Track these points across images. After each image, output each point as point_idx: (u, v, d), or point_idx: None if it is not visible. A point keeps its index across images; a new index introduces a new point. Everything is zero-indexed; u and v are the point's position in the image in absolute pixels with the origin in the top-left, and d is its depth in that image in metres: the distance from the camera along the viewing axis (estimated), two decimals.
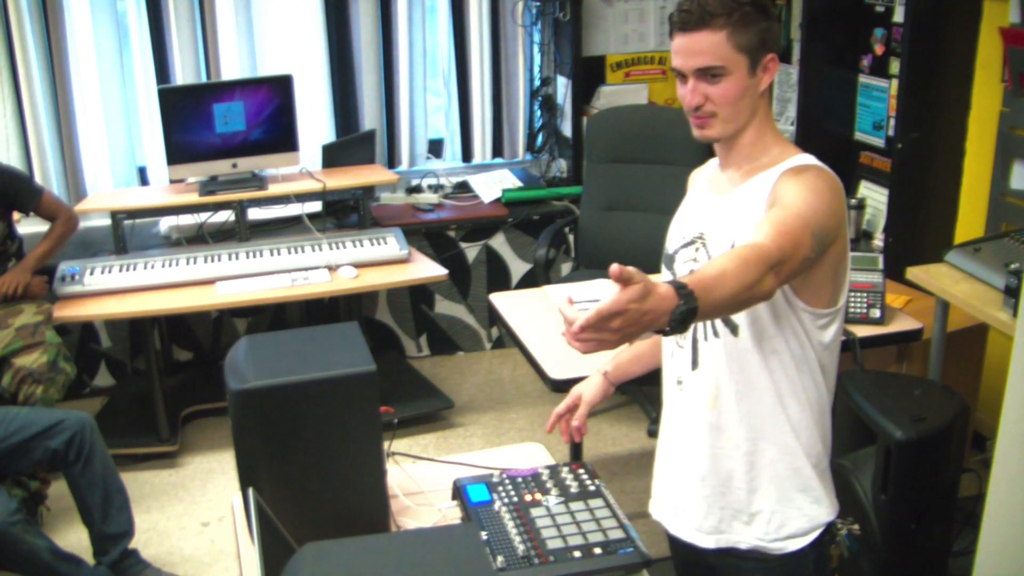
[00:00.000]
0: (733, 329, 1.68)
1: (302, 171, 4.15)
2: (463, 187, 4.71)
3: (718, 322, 1.70)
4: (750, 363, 1.69)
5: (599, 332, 1.36)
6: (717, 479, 1.75)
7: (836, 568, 1.76)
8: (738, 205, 1.68)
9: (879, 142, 3.85)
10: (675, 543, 1.89)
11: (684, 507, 1.82)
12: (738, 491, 1.74)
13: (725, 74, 1.62)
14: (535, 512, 1.82)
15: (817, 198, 1.57)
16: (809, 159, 1.68)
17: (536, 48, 4.79)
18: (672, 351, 1.81)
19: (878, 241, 3.89)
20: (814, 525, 1.74)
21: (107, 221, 3.94)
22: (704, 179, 1.85)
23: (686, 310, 1.35)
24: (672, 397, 1.83)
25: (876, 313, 2.82)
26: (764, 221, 1.54)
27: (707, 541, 1.78)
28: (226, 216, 4.11)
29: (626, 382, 2.09)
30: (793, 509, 1.73)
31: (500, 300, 3.16)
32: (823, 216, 1.56)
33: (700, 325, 1.71)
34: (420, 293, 4.60)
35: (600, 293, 3.21)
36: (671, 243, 1.82)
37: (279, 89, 3.97)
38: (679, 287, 1.36)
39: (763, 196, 1.63)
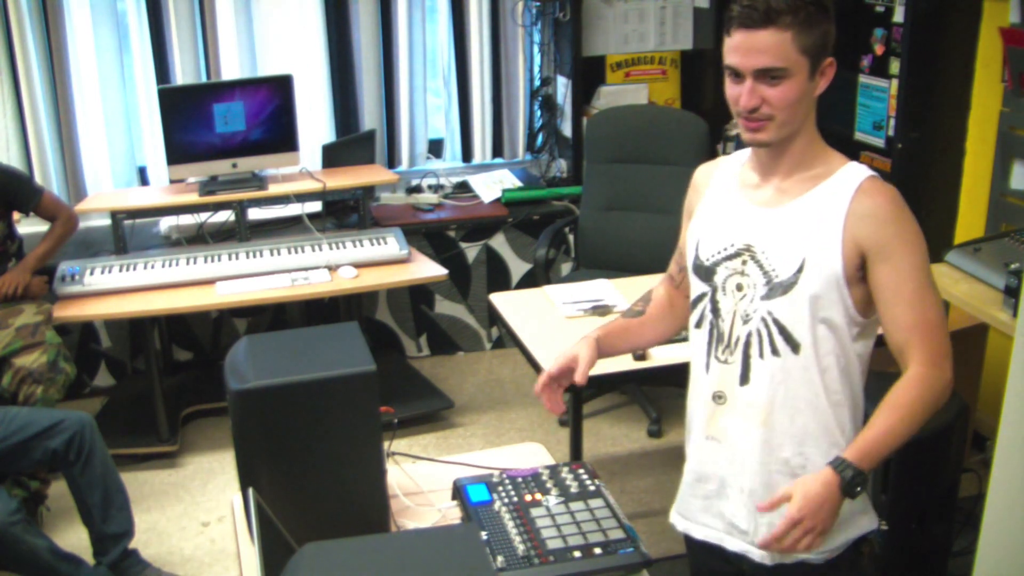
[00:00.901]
0: (795, 348, 1.65)
1: (302, 171, 4.15)
2: (463, 187, 4.71)
3: (778, 340, 1.66)
4: (805, 381, 1.66)
5: (804, 537, 1.56)
6: (766, 493, 1.71)
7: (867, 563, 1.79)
8: (801, 221, 1.63)
9: (879, 142, 3.85)
10: (704, 551, 1.85)
11: (730, 518, 1.77)
12: (785, 507, 1.69)
13: (786, 76, 1.56)
14: (535, 512, 1.82)
15: (917, 248, 1.60)
16: (864, 170, 1.65)
17: (536, 48, 4.78)
18: (709, 365, 1.75)
19: None
20: (859, 534, 1.73)
21: (107, 221, 3.94)
22: (731, 182, 1.77)
23: (851, 477, 1.54)
24: (707, 412, 1.77)
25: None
26: (902, 324, 1.59)
27: (760, 556, 1.74)
28: (226, 216, 4.11)
29: (614, 354, 1.96)
30: (842, 522, 1.68)
31: (500, 300, 3.17)
32: (927, 259, 1.61)
33: (756, 340, 1.67)
34: (420, 293, 4.60)
35: (600, 293, 3.23)
36: (706, 252, 1.75)
37: (279, 89, 3.97)
38: (835, 463, 1.56)
39: (833, 217, 1.60)
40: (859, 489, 1.55)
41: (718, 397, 1.74)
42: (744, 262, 1.68)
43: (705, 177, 1.85)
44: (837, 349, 1.65)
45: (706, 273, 1.74)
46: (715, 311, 1.73)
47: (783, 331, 1.65)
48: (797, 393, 1.67)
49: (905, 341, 1.60)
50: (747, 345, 1.69)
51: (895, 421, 1.57)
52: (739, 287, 1.69)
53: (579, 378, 1.82)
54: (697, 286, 1.77)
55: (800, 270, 1.62)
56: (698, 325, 1.78)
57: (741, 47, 1.57)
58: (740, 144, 4.79)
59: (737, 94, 1.60)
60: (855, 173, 1.64)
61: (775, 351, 1.66)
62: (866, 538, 1.75)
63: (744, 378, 1.70)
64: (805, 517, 1.54)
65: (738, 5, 1.57)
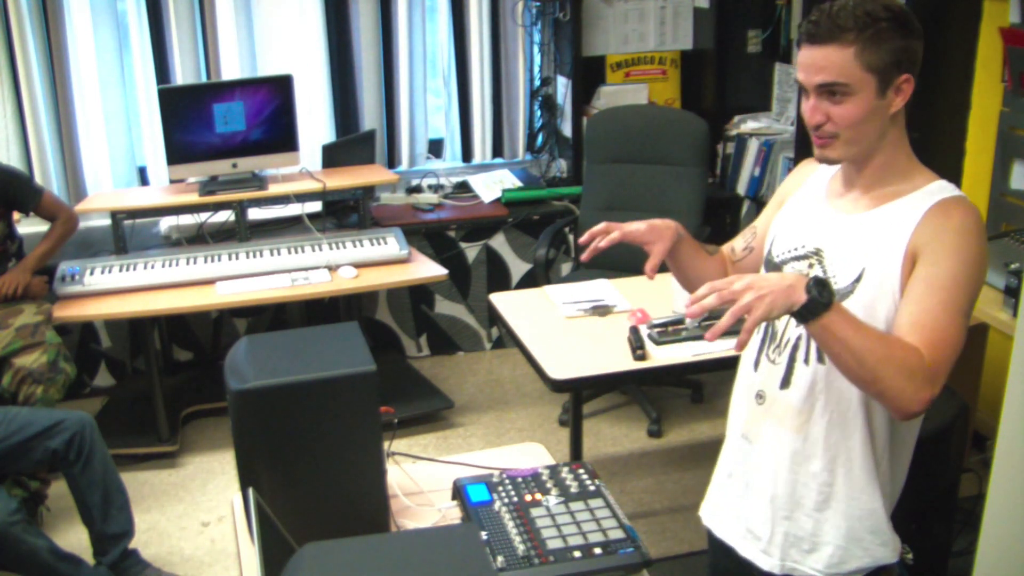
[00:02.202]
0: None
1: (302, 171, 4.15)
2: (463, 187, 4.71)
3: None
4: (847, 394, 1.61)
5: (744, 291, 1.41)
6: (787, 502, 1.69)
7: None
8: (869, 231, 1.59)
9: None
10: (722, 551, 1.84)
11: (748, 522, 1.77)
12: (804, 518, 1.69)
13: (850, 93, 1.52)
14: (535, 512, 1.82)
15: (967, 268, 1.49)
16: (951, 189, 1.57)
17: (536, 48, 4.79)
18: (757, 361, 1.73)
19: None
20: (876, 565, 1.69)
21: (107, 221, 3.94)
22: (821, 185, 1.73)
23: (817, 283, 1.41)
24: (747, 410, 1.76)
25: None
26: (913, 320, 1.48)
27: (770, 564, 1.73)
28: (226, 216, 4.11)
29: (679, 270, 1.94)
30: (860, 548, 1.67)
31: (500, 300, 3.16)
32: (974, 288, 1.51)
33: (803, 344, 1.65)
34: (420, 293, 4.60)
35: (600, 293, 3.23)
36: (778, 249, 1.73)
37: (279, 89, 3.97)
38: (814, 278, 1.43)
39: (902, 230, 1.54)
40: (820, 299, 1.41)
41: (759, 396, 1.72)
42: (811, 265, 1.65)
43: (806, 173, 1.81)
44: None
45: (774, 269, 1.72)
46: None
47: None
48: (836, 406, 1.63)
49: (907, 338, 1.50)
50: (795, 348, 1.66)
51: (876, 338, 1.46)
52: None
53: (650, 273, 1.82)
54: None
55: (859, 279, 1.58)
56: None
57: (804, 62, 1.55)
58: (739, 144, 4.79)
59: (805, 110, 1.58)
60: (941, 190, 1.58)
61: (820, 358, 1.63)
62: (886, 568, 1.71)
63: (786, 381, 1.68)
64: (749, 279, 1.43)
65: (807, 20, 1.55)
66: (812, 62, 1.54)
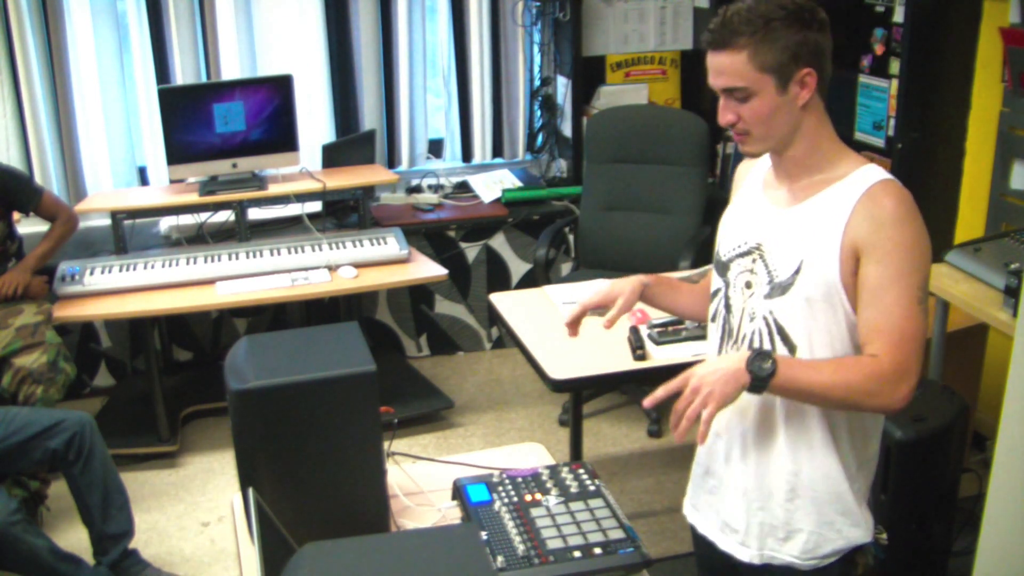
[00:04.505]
0: (791, 349, 1.65)
1: (302, 171, 4.15)
2: (463, 187, 4.71)
3: (777, 340, 1.66)
4: None
5: (694, 396, 1.54)
6: (759, 494, 1.73)
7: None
8: (803, 223, 1.64)
9: (879, 142, 3.85)
10: (705, 545, 1.88)
11: (724, 516, 1.80)
12: (777, 508, 1.72)
13: (750, 94, 1.58)
14: (535, 512, 1.82)
15: (912, 255, 1.54)
16: (878, 173, 1.61)
17: (536, 48, 4.78)
18: None
19: None
20: (850, 546, 1.72)
21: (107, 221, 3.94)
22: (758, 180, 1.78)
23: (759, 357, 1.52)
24: None
25: None
26: (872, 326, 1.54)
27: (749, 555, 1.77)
28: (226, 216, 4.11)
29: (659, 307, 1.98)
30: (832, 532, 1.71)
31: (500, 300, 3.16)
32: (923, 270, 1.56)
33: (758, 339, 1.69)
34: (420, 293, 4.60)
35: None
36: (723, 248, 1.78)
37: (279, 89, 3.97)
38: (752, 351, 1.55)
39: (835, 220, 1.59)
40: (762, 373, 1.51)
41: None
42: (754, 260, 1.70)
43: (742, 175, 1.86)
44: (831, 354, 1.63)
45: (722, 268, 1.77)
46: (727, 307, 1.75)
47: (781, 331, 1.66)
48: None
49: (872, 341, 1.56)
50: (751, 343, 1.70)
51: (831, 372, 1.54)
52: (748, 285, 1.71)
53: (607, 324, 1.85)
54: (715, 281, 1.80)
55: (797, 272, 1.63)
56: (713, 319, 1.81)
57: (709, 68, 1.62)
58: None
59: (719, 110, 1.65)
60: (868, 176, 1.61)
61: (773, 350, 1.67)
62: (861, 549, 1.74)
63: None
64: (696, 377, 1.54)
65: (707, 28, 1.61)
66: (713, 68, 1.61)
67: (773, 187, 1.73)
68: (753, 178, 1.80)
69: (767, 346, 1.68)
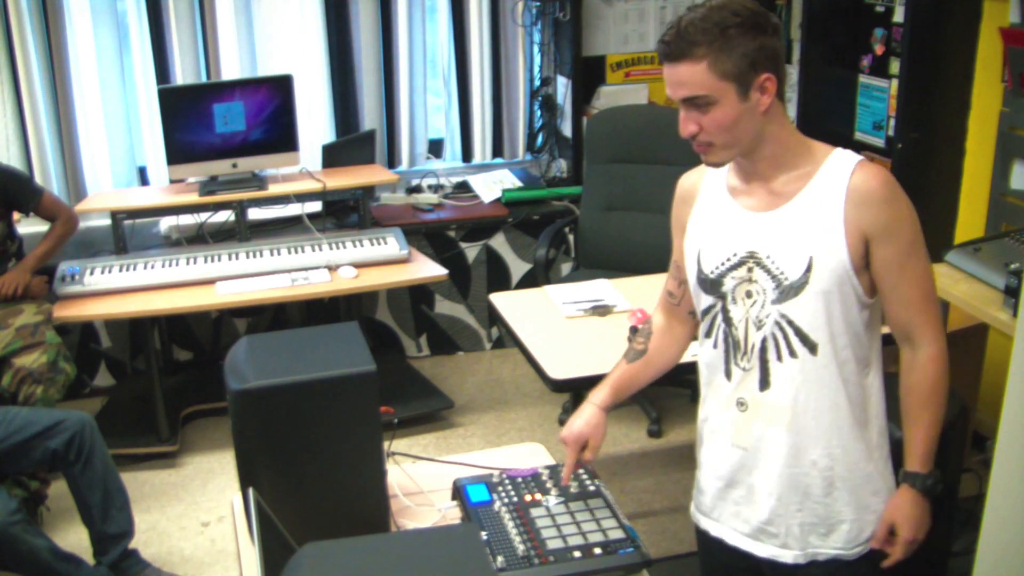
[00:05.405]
0: (812, 348, 1.65)
1: (302, 171, 4.15)
2: (463, 187, 4.71)
3: (795, 342, 1.66)
4: (828, 380, 1.67)
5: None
6: (796, 495, 1.72)
7: None
8: (800, 219, 1.64)
9: (879, 142, 3.85)
10: (727, 553, 1.84)
11: (758, 523, 1.77)
12: (815, 505, 1.72)
13: (712, 103, 1.58)
14: (535, 512, 1.82)
15: (912, 224, 1.64)
16: (851, 156, 1.65)
17: (536, 48, 4.79)
18: (728, 372, 1.75)
19: None
20: None
21: (107, 221, 3.94)
22: (719, 189, 1.76)
23: (927, 483, 1.73)
24: (731, 420, 1.76)
25: None
26: (905, 300, 1.67)
27: (792, 556, 1.76)
28: (226, 216, 4.11)
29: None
30: (870, 514, 1.73)
31: (500, 300, 3.16)
32: (919, 231, 1.66)
33: (772, 345, 1.68)
34: (420, 293, 4.60)
35: (600, 293, 3.22)
36: (709, 265, 1.74)
37: (279, 89, 3.97)
38: (910, 479, 1.73)
39: (832, 210, 1.61)
40: (939, 487, 1.72)
41: (741, 404, 1.74)
42: (750, 269, 1.68)
43: (691, 187, 1.84)
44: (853, 341, 1.67)
45: (712, 285, 1.74)
46: (727, 320, 1.73)
47: (799, 332, 1.65)
48: (820, 393, 1.67)
49: (911, 319, 1.67)
50: (763, 350, 1.69)
51: (932, 413, 1.72)
52: (748, 294, 1.70)
53: (589, 454, 1.91)
54: (704, 299, 1.76)
55: (809, 269, 1.63)
56: (708, 335, 1.78)
57: (667, 79, 1.61)
58: None
59: (679, 122, 1.64)
60: (844, 161, 1.64)
61: (792, 353, 1.66)
62: None
63: (764, 383, 1.70)
64: (917, 537, 1.71)
65: (660, 39, 1.61)
66: (671, 79, 1.61)
67: (744, 193, 1.72)
68: (710, 189, 1.78)
69: (783, 350, 1.67)
